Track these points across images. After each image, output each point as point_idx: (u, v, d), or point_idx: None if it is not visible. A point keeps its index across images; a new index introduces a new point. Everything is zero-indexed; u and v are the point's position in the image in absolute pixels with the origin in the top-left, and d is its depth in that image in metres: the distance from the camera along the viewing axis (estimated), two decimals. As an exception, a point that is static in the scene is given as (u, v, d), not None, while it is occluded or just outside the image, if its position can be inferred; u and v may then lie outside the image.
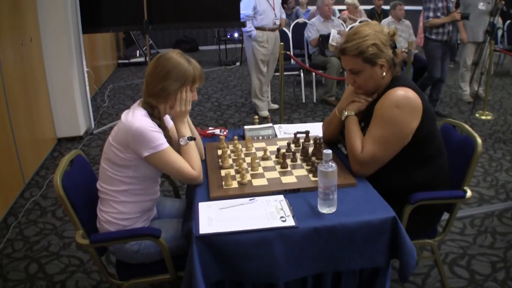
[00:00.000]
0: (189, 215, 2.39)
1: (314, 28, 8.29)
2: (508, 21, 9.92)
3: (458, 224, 4.06)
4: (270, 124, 3.44)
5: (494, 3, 7.60)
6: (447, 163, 2.82)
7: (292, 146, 3.05)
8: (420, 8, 10.89)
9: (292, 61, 8.41)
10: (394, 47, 2.71)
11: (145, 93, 2.60)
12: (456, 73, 8.75)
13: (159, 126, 2.54)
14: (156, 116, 2.57)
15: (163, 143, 2.45)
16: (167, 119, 2.80)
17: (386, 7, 9.71)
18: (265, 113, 7.52)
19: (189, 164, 2.56)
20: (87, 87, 6.74)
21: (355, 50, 2.63)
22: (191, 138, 2.63)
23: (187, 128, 2.68)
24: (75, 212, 2.45)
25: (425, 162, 2.71)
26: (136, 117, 2.44)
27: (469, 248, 3.72)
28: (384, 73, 2.67)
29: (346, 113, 2.82)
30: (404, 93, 2.59)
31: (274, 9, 7.21)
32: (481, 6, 7.56)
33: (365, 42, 2.61)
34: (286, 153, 2.85)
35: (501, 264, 3.50)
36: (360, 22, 9.74)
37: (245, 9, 6.94)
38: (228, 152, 2.94)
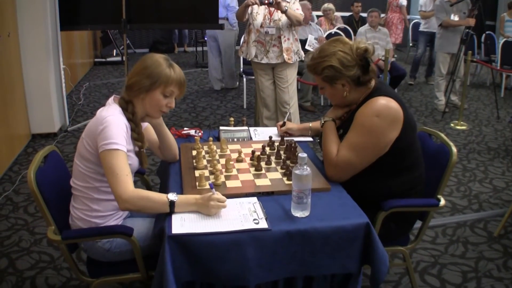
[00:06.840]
0: (162, 215, 2.38)
1: None
2: (486, 33, 9.97)
3: (430, 233, 4.09)
4: (246, 127, 3.45)
5: (468, 14, 7.68)
6: (424, 174, 2.83)
7: (267, 149, 3.04)
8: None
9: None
10: (366, 64, 2.68)
11: (124, 86, 2.61)
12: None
13: (132, 121, 2.53)
14: (130, 111, 2.55)
15: (121, 146, 2.37)
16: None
17: (365, 14, 9.75)
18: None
19: (140, 192, 2.34)
20: (63, 84, 6.72)
21: (313, 70, 2.75)
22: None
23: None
24: (47, 207, 2.43)
25: (403, 172, 2.71)
26: (110, 111, 2.45)
27: (441, 257, 3.74)
28: (346, 92, 2.71)
29: (323, 119, 2.85)
30: (386, 103, 2.60)
31: None
32: (457, 17, 7.65)
33: (322, 63, 2.67)
34: (261, 156, 2.86)
35: (472, 274, 3.53)
36: (337, 28, 9.77)
37: (236, 4, 8.29)
38: (203, 153, 2.93)
